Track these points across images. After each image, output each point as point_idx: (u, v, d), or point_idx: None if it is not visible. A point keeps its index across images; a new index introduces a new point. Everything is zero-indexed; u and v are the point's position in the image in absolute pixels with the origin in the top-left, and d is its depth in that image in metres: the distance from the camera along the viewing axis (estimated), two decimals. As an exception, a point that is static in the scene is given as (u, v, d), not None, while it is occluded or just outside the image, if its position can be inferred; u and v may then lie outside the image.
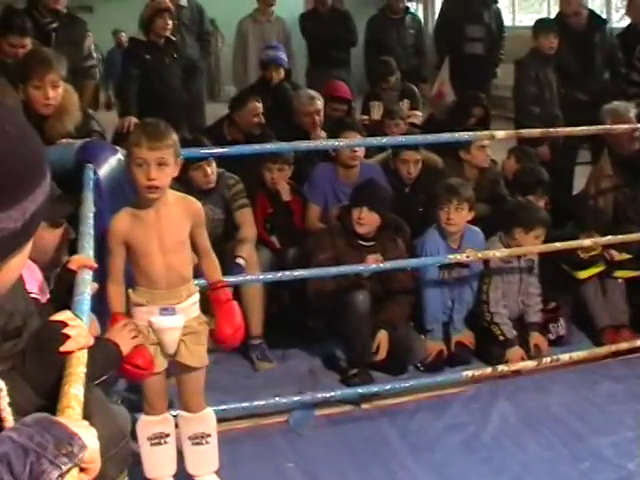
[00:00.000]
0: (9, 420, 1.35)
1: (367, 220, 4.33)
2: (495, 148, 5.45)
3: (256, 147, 4.24)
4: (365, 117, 6.69)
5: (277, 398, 3.91)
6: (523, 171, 5.23)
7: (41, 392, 1.65)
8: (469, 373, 4.20)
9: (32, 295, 2.14)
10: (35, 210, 1.23)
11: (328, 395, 3.98)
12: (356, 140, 4.80)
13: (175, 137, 2.88)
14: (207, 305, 3.22)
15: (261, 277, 4.27)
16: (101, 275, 2.72)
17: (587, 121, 4.82)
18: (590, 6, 6.70)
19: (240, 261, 4.35)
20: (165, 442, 3.12)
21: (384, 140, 4.82)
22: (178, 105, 6.29)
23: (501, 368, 4.28)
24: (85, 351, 1.68)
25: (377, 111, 6.60)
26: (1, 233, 1.17)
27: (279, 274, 4.02)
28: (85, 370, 1.61)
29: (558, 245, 4.43)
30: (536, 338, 4.59)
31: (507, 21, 9.93)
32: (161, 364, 3.01)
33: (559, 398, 4.15)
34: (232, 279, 3.74)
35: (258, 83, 6.54)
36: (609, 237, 4.59)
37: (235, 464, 3.48)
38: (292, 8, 10.26)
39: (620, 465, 3.50)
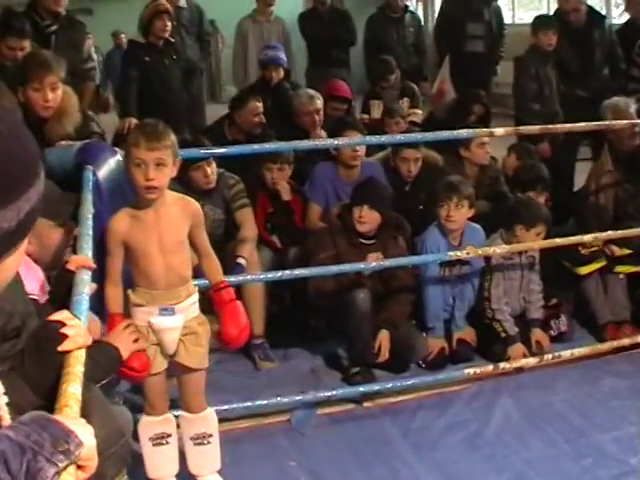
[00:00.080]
0: (6, 419, 1.36)
1: (368, 218, 4.33)
2: (495, 145, 5.45)
3: (256, 147, 4.24)
4: (365, 116, 6.70)
5: (279, 397, 3.92)
6: (523, 168, 5.23)
7: (40, 392, 1.66)
8: (471, 371, 4.20)
9: (31, 296, 2.15)
10: (29, 209, 1.23)
11: (330, 394, 3.98)
12: (355, 139, 4.80)
13: (173, 138, 2.89)
14: (208, 305, 3.22)
15: (262, 276, 4.28)
16: (100, 276, 2.73)
17: (587, 117, 4.82)
18: (589, 2, 6.67)
19: (241, 261, 4.35)
20: (167, 442, 3.13)
21: (383, 138, 4.82)
22: (178, 106, 6.30)
23: (503, 365, 4.28)
24: (83, 350, 1.68)
25: (377, 110, 6.60)
26: (-4, 233, 1.17)
27: (279, 273, 4.03)
28: (83, 369, 1.61)
29: (558, 241, 4.43)
30: (538, 335, 4.59)
31: (507, 18, 9.93)
32: (161, 364, 3.02)
33: (561, 395, 4.15)
34: (233, 279, 3.74)
35: (258, 83, 6.55)
36: (609, 232, 4.58)
37: (238, 464, 3.49)
38: (292, 8, 10.26)
39: (623, 460, 3.50)
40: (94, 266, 2.35)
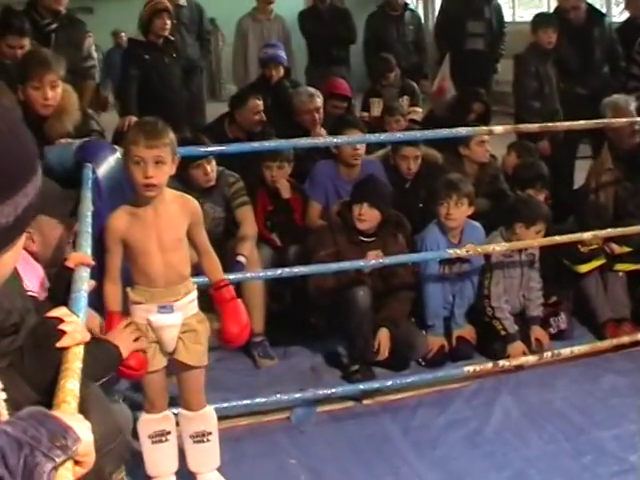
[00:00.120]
0: (4, 415, 1.36)
1: (368, 216, 4.34)
2: (495, 143, 5.45)
3: (255, 145, 4.25)
4: (365, 114, 6.71)
5: (279, 395, 3.92)
6: (522, 165, 5.23)
7: (38, 388, 1.67)
8: (470, 368, 4.20)
9: (30, 293, 2.15)
10: (27, 205, 1.24)
11: (330, 392, 3.99)
12: (354, 137, 4.79)
13: (172, 135, 2.89)
14: (208, 303, 3.23)
15: (261, 274, 4.28)
16: (99, 273, 2.73)
17: (587, 116, 4.81)
18: (589, 0, 6.67)
19: (241, 259, 4.36)
20: (166, 440, 3.13)
21: (382, 136, 4.82)
22: (179, 104, 6.31)
23: (502, 363, 4.28)
24: (81, 347, 1.69)
25: (377, 108, 6.61)
26: (-7, 228, 1.18)
27: (279, 271, 4.03)
28: (82, 366, 1.61)
29: (558, 239, 4.43)
30: (537, 332, 4.59)
31: (507, 16, 9.90)
32: (160, 362, 3.02)
33: (561, 392, 4.15)
34: (232, 276, 3.74)
35: (258, 81, 6.56)
36: (609, 230, 4.58)
37: (237, 461, 3.50)
38: (292, 6, 10.26)
39: (623, 458, 3.50)
40: (93, 263, 2.36)
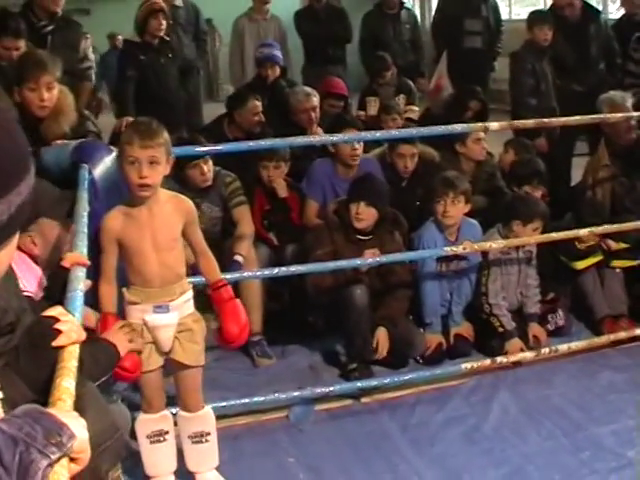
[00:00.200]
0: (0, 413, 1.37)
1: (365, 215, 4.34)
2: (491, 141, 5.45)
3: (251, 144, 4.24)
4: (362, 113, 6.71)
5: (277, 394, 3.92)
6: (519, 162, 5.24)
7: (35, 387, 1.67)
8: (468, 365, 4.20)
9: (26, 292, 2.16)
10: (20, 203, 1.25)
11: (328, 390, 3.99)
12: (350, 135, 4.79)
13: (167, 136, 2.89)
14: (206, 303, 3.23)
15: (258, 273, 4.28)
16: (95, 273, 2.74)
17: (584, 112, 4.80)
18: (586, -2, 6.69)
19: (238, 258, 4.37)
20: (164, 439, 3.13)
21: (378, 134, 4.82)
22: (176, 105, 6.32)
23: (500, 360, 4.28)
24: (77, 345, 1.69)
25: (373, 107, 6.62)
26: (-14, 226, 1.19)
27: (276, 270, 4.03)
28: (77, 364, 1.62)
29: (554, 235, 4.43)
30: (535, 329, 4.60)
31: (504, 14, 9.92)
32: (156, 362, 3.02)
33: (559, 388, 4.15)
34: (229, 276, 3.75)
35: (254, 81, 6.56)
36: (605, 226, 4.59)
37: (236, 460, 3.50)
38: (288, 6, 10.27)
39: (621, 454, 3.50)
40: (88, 263, 2.36)
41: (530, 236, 4.50)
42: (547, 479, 3.36)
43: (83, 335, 1.74)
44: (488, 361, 4.27)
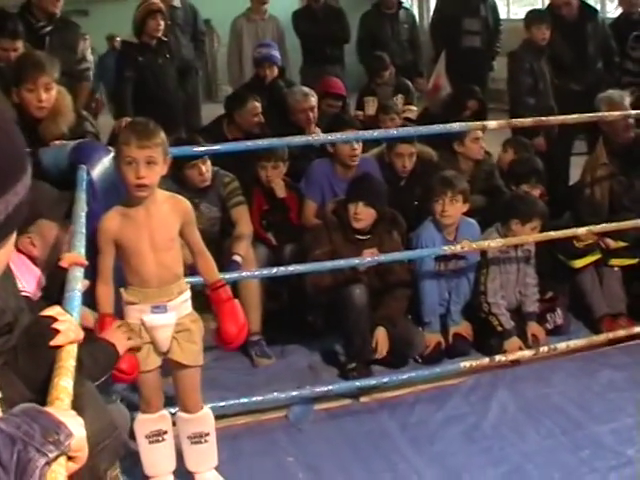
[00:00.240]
0: (-2, 413, 1.37)
1: (363, 215, 4.34)
2: (490, 140, 5.46)
3: (248, 143, 4.24)
4: (360, 113, 6.71)
5: (276, 393, 3.93)
6: (517, 161, 5.25)
7: (33, 387, 1.67)
8: (467, 364, 4.21)
9: (24, 293, 2.16)
10: (18, 203, 1.25)
11: (327, 389, 4.00)
12: (348, 134, 4.79)
13: (163, 136, 2.90)
14: (204, 303, 3.24)
15: (257, 273, 4.29)
16: (93, 273, 2.74)
17: (582, 111, 4.80)
18: (585, -3, 6.70)
19: (237, 258, 4.37)
20: (163, 439, 3.13)
21: (376, 133, 4.82)
22: (175, 105, 6.33)
23: (499, 358, 4.29)
24: (75, 345, 1.69)
25: (372, 106, 6.62)
26: (-17, 226, 1.19)
27: (274, 269, 4.04)
28: (75, 363, 1.62)
29: (553, 234, 4.44)
30: (533, 328, 4.60)
31: (502, 14, 9.90)
32: (154, 362, 3.03)
33: (558, 387, 4.15)
34: (228, 276, 3.75)
35: (252, 81, 6.57)
36: (604, 225, 4.59)
37: (235, 460, 3.51)
38: (286, 6, 10.26)
39: (620, 452, 3.51)
40: (86, 263, 2.37)
41: (529, 235, 4.50)
42: (546, 478, 3.37)
43: (81, 334, 1.75)
44: (487, 360, 4.27)
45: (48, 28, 5.53)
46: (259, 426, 3.86)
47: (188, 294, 3.06)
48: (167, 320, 2.97)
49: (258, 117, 5.55)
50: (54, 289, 2.25)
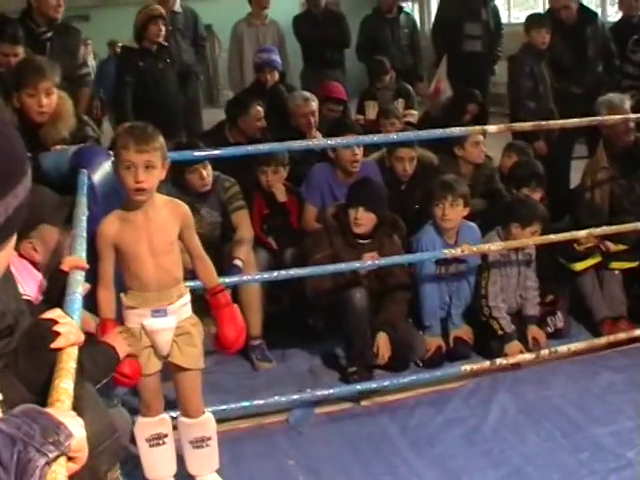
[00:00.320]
0: (-1, 415, 1.38)
1: (364, 220, 4.34)
2: (490, 144, 5.46)
3: (249, 148, 4.25)
4: (360, 117, 6.72)
5: (277, 397, 3.93)
6: (517, 164, 5.25)
7: (33, 389, 1.68)
8: (468, 367, 4.21)
9: (25, 297, 2.17)
10: (17, 205, 1.26)
11: (327, 393, 4.00)
12: (348, 139, 4.79)
13: (162, 140, 2.90)
14: (205, 307, 3.24)
15: (257, 277, 4.29)
16: (93, 276, 2.75)
17: (582, 114, 4.82)
18: (584, 1, 6.70)
19: (237, 262, 4.37)
20: (163, 442, 3.14)
21: (377, 138, 4.82)
22: (175, 110, 6.34)
23: (499, 361, 4.29)
24: (75, 347, 1.70)
25: (372, 111, 6.63)
26: (-16, 228, 1.20)
27: (275, 273, 4.04)
28: (75, 366, 1.63)
29: (553, 237, 4.44)
30: (534, 331, 4.61)
31: (503, 18, 9.92)
32: (155, 365, 3.04)
33: (558, 389, 4.16)
34: (228, 280, 3.76)
35: (253, 86, 6.57)
36: (604, 228, 4.60)
37: (237, 463, 3.52)
38: (286, 11, 10.28)
39: (620, 454, 3.51)
40: (87, 266, 2.37)
41: (529, 238, 4.50)
42: (546, 480, 3.38)
43: (82, 337, 1.75)
44: (487, 363, 4.27)
45: (49, 33, 5.56)
46: (260, 429, 3.87)
47: (188, 297, 3.07)
48: (167, 324, 2.97)
49: (261, 122, 5.57)
50: (55, 293, 2.26)
